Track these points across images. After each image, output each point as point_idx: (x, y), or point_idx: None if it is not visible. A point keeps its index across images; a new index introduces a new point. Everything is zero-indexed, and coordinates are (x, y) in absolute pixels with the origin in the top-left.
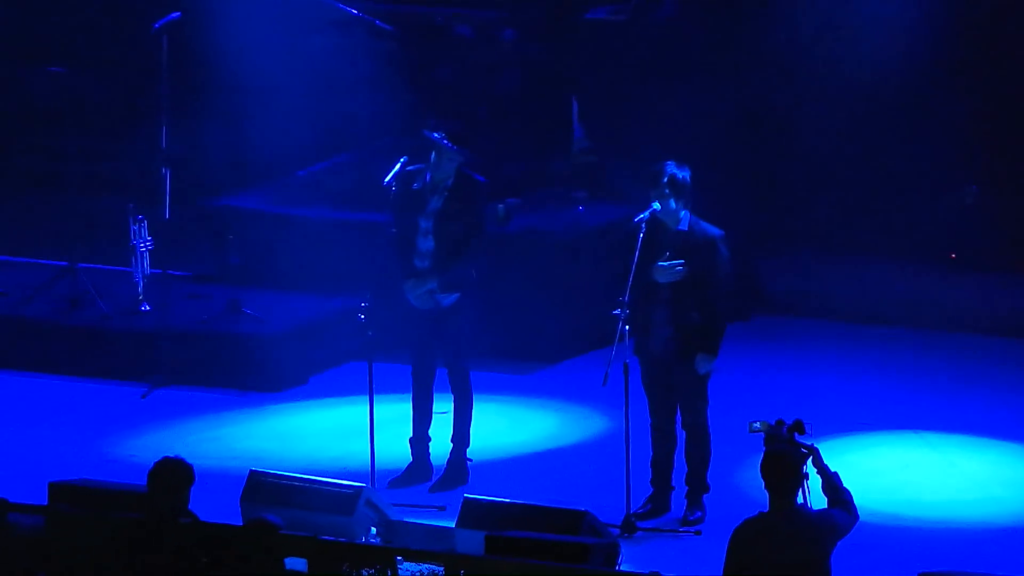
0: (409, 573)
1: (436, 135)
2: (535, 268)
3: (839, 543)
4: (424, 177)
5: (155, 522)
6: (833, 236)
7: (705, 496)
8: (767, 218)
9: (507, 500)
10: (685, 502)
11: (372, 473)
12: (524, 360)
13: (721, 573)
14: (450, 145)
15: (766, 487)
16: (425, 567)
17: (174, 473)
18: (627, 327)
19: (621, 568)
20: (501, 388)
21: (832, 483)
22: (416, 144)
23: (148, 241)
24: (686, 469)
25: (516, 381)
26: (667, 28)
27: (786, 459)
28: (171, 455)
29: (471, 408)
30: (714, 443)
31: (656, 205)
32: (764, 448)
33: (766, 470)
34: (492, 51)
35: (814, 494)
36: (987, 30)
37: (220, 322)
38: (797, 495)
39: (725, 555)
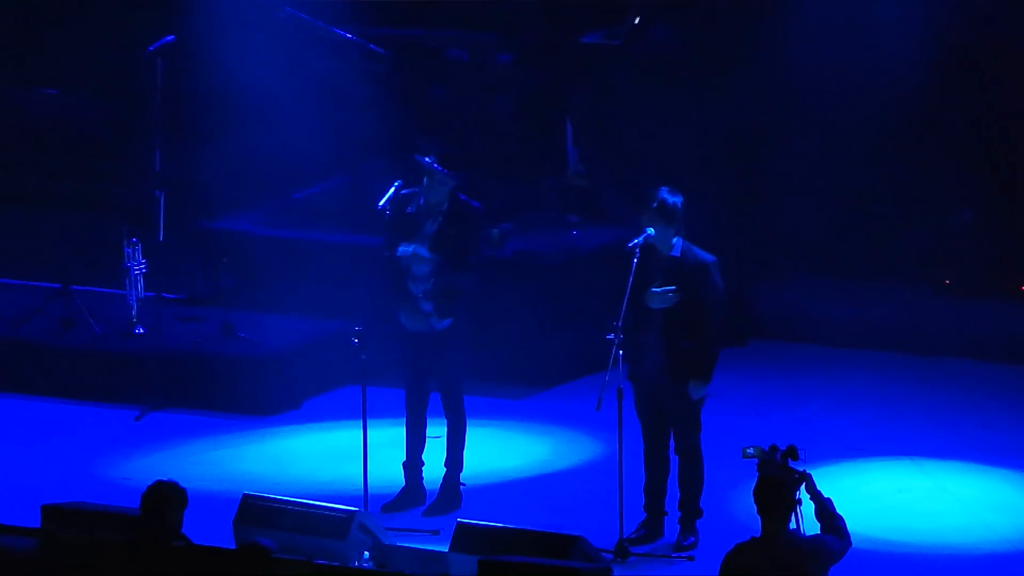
0: None
1: (427, 160)
2: (529, 292)
3: (832, 569)
4: (418, 201)
5: (148, 545)
6: (827, 261)
7: (698, 521)
8: (761, 243)
9: (500, 525)
10: (678, 527)
11: (365, 497)
12: (518, 385)
13: None
14: (441, 170)
15: (759, 512)
16: None
17: (167, 496)
18: (620, 352)
19: None
20: (495, 413)
21: (825, 509)
22: (409, 167)
23: (142, 263)
24: (679, 494)
25: (510, 406)
26: (661, 52)
27: (779, 484)
28: (164, 478)
29: (464, 432)
30: (707, 468)
31: (650, 230)
32: (757, 473)
33: (759, 495)
34: (486, 74)
35: (807, 520)
36: (980, 54)
37: (214, 345)
38: (790, 520)
39: None
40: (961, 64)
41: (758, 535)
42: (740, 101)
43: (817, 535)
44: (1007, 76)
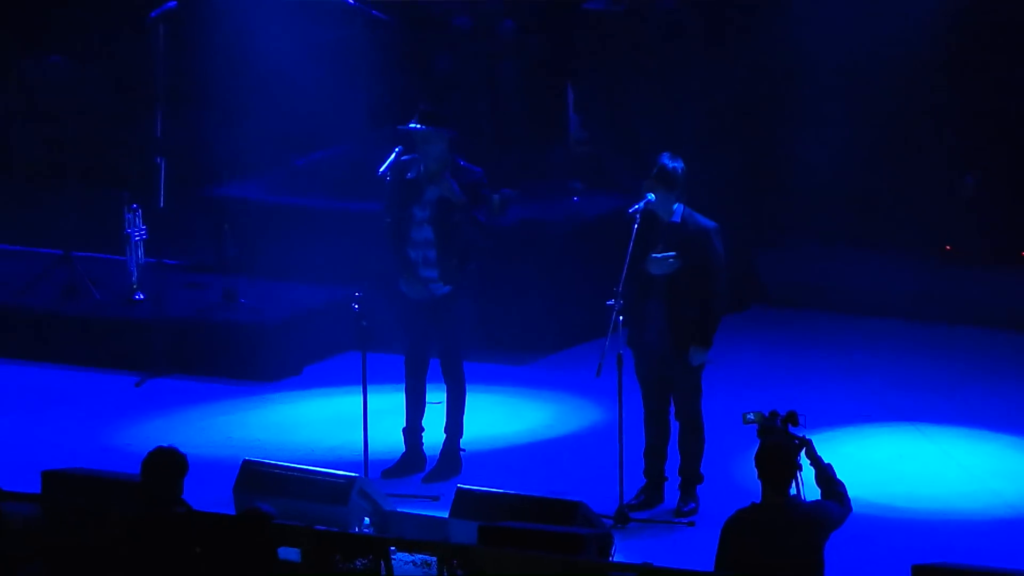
0: (402, 563)
1: (409, 125)
2: (530, 259)
3: (833, 535)
4: (419, 167)
5: (149, 511)
6: (830, 227)
7: (699, 487)
8: (765, 209)
9: (500, 490)
10: (679, 493)
11: (366, 463)
12: (518, 351)
13: (714, 564)
14: (422, 128)
15: (760, 478)
16: (418, 557)
17: (168, 462)
18: (621, 318)
19: (614, 559)
20: (495, 379)
21: (826, 474)
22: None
23: (142, 230)
24: (680, 460)
25: (510, 372)
26: (666, 18)
27: (781, 450)
28: (165, 444)
29: (464, 398)
30: (708, 434)
31: (651, 196)
32: (758, 439)
33: (761, 461)
34: (490, 41)
35: (807, 485)
36: (983, 22)
37: (215, 312)
38: (791, 487)
39: (717, 546)
40: (967, 31)
41: (759, 501)
42: (745, 67)
43: (818, 501)
44: (1013, 42)
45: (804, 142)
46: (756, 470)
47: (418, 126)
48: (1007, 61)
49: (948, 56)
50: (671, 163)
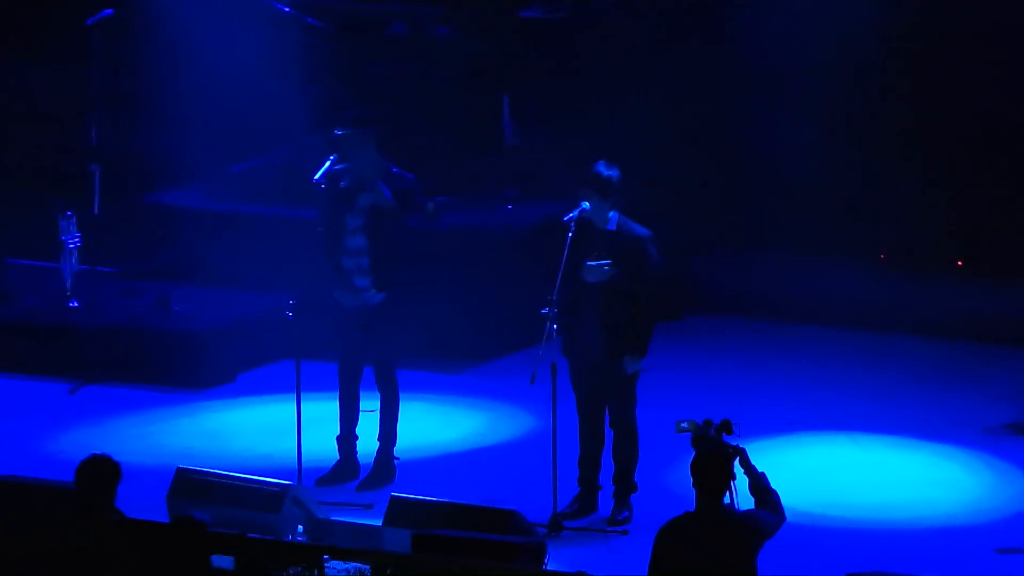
0: (336, 571)
1: (335, 132)
2: (464, 266)
3: (767, 543)
4: (351, 175)
5: (81, 519)
6: (766, 235)
7: (633, 496)
8: (701, 216)
9: (434, 499)
10: (612, 501)
11: (299, 471)
12: (452, 359)
13: (647, 573)
14: (345, 131)
15: (694, 486)
16: (352, 565)
17: (101, 470)
18: (555, 326)
19: (548, 567)
20: (429, 387)
21: (759, 483)
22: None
23: (77, 237)
24: (614, 468)
25: (444, 380)
26: (604, 26)
27: (715, 459)
28: (98, 451)
29: (398, 406)
30: (642, 443)
31: (585, 204)
32: (692, 448)
33: (695, 469)
34: (426, 48)
35: (741, 494)
36: (929, 32)
37: (149, 319)
38: (725, 495)
39: (651, 554)
40: (911, 40)
41: (693, 510)
42: (684, 73)
43: (751, 510)
44: (954, 50)
45: (740, 147)
46: (691, 478)
47: (342, 131)
48: (947, 67)
49: (888, 61)
50: (607, 171)
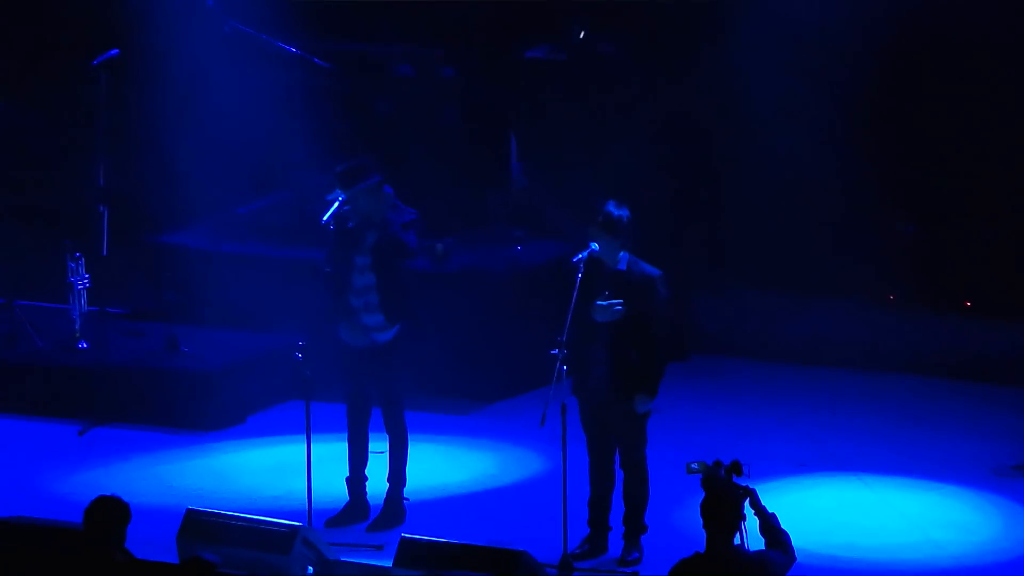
0: None
1: (328, 197)
2: (472, 307)
3: None
4: (358, 215)
5: (91, 560)
6: (771, 276)
7: (643, 536)
8: (706, 257)
9: (444, 540)
10: (623, 542)
11: (309, 512)
12: (461, 400)
13: None
14: (343, 194)
15: (704, 527)
16: None
17: (110, 511)
18: (565, 367)
19: None
20: (438, 428)
21: (769, 524)
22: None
23: (85, 278)
24: (624, 509)
25: (453, 421)
26: (606, 67)
27: (725, 500)
28: (107, 493)
29: (407, 447)
30: (652, 483)
31: (594, 245)
32: (701, 489)
33: (705, 510)
34: (431, 89)
35: (751, 535)
36: (926, 68)
37: (158, 360)
38: (734, 536)
39: None
40: (910, 75)
41: (703, 550)
42: (685, 115)
43: (761, 550)
44: (955, 88)
45: (746, 189)
46: (701, 519)
47: (339, 193)
48: (949, 106)
49: (891, 101)
50: (617, 211)
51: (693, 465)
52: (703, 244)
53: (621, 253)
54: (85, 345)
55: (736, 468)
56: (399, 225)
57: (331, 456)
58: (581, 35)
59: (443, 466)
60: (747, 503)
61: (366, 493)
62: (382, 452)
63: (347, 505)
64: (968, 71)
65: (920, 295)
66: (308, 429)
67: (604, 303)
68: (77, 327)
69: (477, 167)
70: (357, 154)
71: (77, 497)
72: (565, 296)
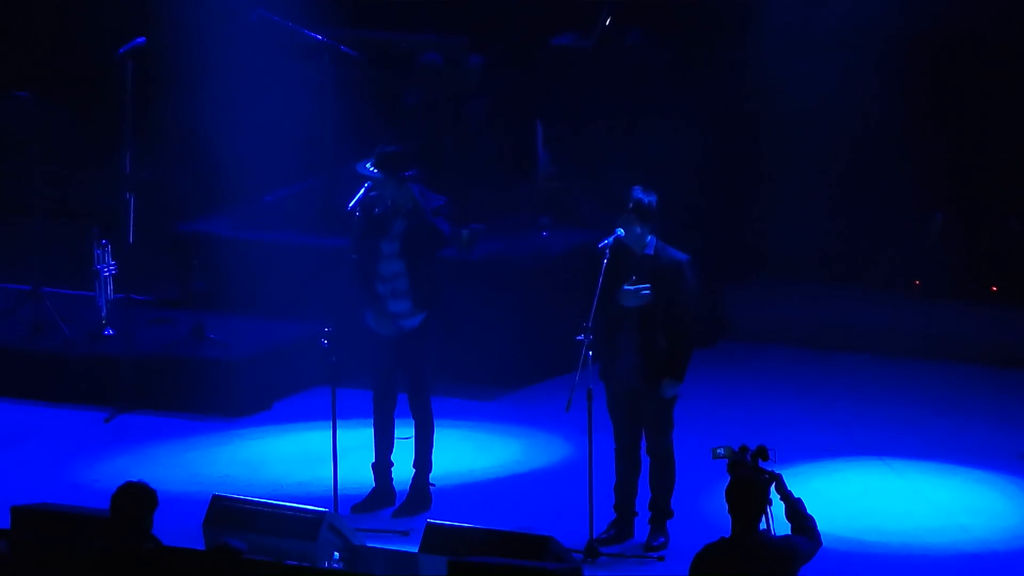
0: None
1: (367, 168)
2: (499, 294)
3: (802, 569)
4: (385, 202)
5: (118, 547)
6: (798, 262)
7: (669, 522)
8: (732, 243)
9: (470, 525)
10: (648, 528)
11: (335, 498)
12: (487, 386)
13: None
14: (378, 174)
15: (730, 512)
16: None
17: (137, 497)
18: (591, 352)
19: None
20: (464, 414)
21: (796, 509)
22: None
23: (112, 266)
24: (650, 495)
25: (479, 407)
26: (633, 54)
27: (752, 485)
28: (134, 480)
29: (432, 433)
30: (678, 469)
31: (620, 231)
32: (727, 474)
33: (731, 496)
34: (458, 77)
35: (777, 520)
36: (956, 59)
37: (184, 347)
38: (760, 521)
39: None
40: (940, 67)
41: (728, 536)
42: (713, 103)
43: (787, 536)
44: (984, 79)
45: (772, 175)
46: (727, 504)
47: (374, 171)
48: (977, 97)
49: (920, 90)
50: (645, 197)
51: (719, 450)
52: (730, 230)
53: (648, 238)
54: (111, 332)
55: (762, 453)
56: (430, 211)
57: (357, 442)
58: (608, 22)
59: (469, 452)
60: (773, 488)
61: (392, 479)
62: (408, 438)
63: (373, 491)
64: (998, 61)
65: (947, 281)
66: (334, 415)
67: (631, 288)
68: (103, 315)
69: (504, 155)
70: (394, 142)
71: (103, 484)
72: (590, 282)
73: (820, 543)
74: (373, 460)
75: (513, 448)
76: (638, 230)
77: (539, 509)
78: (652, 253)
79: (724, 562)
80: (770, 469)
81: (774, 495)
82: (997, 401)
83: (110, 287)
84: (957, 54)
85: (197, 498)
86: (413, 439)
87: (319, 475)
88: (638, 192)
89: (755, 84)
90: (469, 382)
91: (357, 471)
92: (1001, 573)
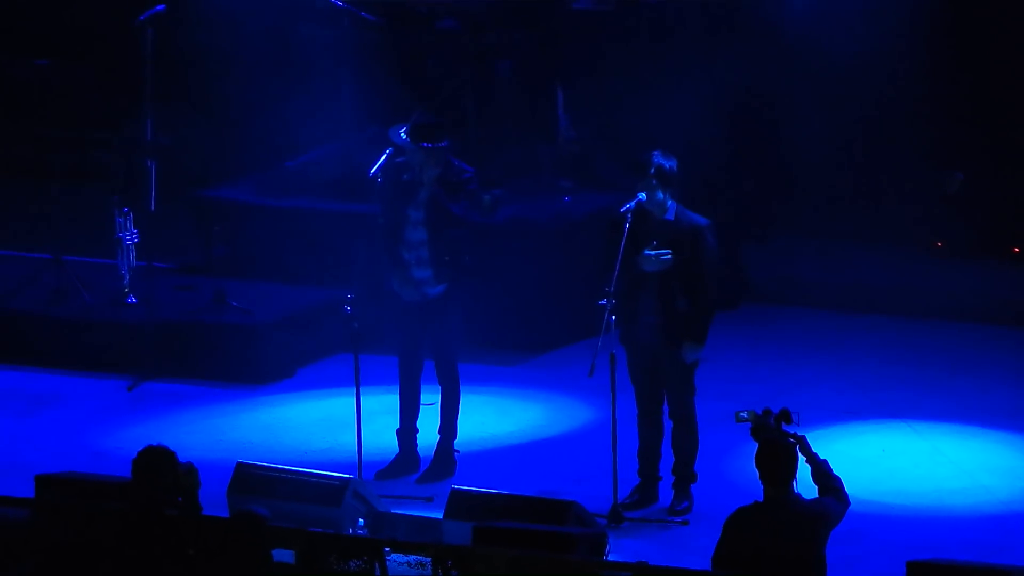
0: (397, 564)
1: (401, 138)
2: (521, 258)
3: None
4: (413, 169)
5: (141, 513)
6: (820, 224)
7: (692, 485)
8: (754, 206)
9: (494, 491)
10: (672, 492)
11: (359, 464)
12: (511, 351)
13: (710, 561)
14: (411, 145)
15: (760, 477)
16: (413, 558)
17: (157, 458)
18: (613, 317)
19: (608, 558)
20: (488, 379)
21: (822, 470)
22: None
23: (134, 233)
24: (673, 459)
25: (503, 372)
26: (654, 17)
27: (780, 448)
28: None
29: (458, 399)
30: (701, 432)
31: (642, 195)
32: (751, 437)
33: (761, 460)
34: (478, 41)
35: (802, 482)
36: (974, 18)
37: (206, 314)
38: (793, 484)
39: (719, 539)
40: (958, 26)
41: (753, 499)
42: (734, 66)
43: (817, 498)
44: (1002, 37)
45: (793, 137)
46: (757, 470)
47: (409, 142)
48: (996, 55)
49: (939, 49)
50: (665, 160)
51: (742, 414)
52: (753, 193)
53: (669, 203)
54: (134, 300)
55: (785, 416)
56: (454, 183)
57: (380, 408)
58: None
59: (492, 417)
60: (798, 450)
61: (416, 445)
62: (432, 404)
63: (397, 457)
64: (1020, 21)
65: (969, 242)
66: (357, 382)
67: (652, 253)
68: (126, 282)
69: (525, 119)
70: (429, 114)
71: (127, 452)
72: (613, 246)
73: (848, 503)
74: (398, 426)
75: (536, 413)
76: (659, 195)
77: (563, 474)
78: (672, 218)
79: (757, 524)
80: (793, 431)
81: (799, 457)
82: (1020, 362)
83: (132, 255)
84: (982, 13)
85: (221, 465)
86: (438, 405)
87: (343, 441)
88: (658, 157)
89: (776, 44)
90: (492, 347)
91: (381, 437)
92: None
